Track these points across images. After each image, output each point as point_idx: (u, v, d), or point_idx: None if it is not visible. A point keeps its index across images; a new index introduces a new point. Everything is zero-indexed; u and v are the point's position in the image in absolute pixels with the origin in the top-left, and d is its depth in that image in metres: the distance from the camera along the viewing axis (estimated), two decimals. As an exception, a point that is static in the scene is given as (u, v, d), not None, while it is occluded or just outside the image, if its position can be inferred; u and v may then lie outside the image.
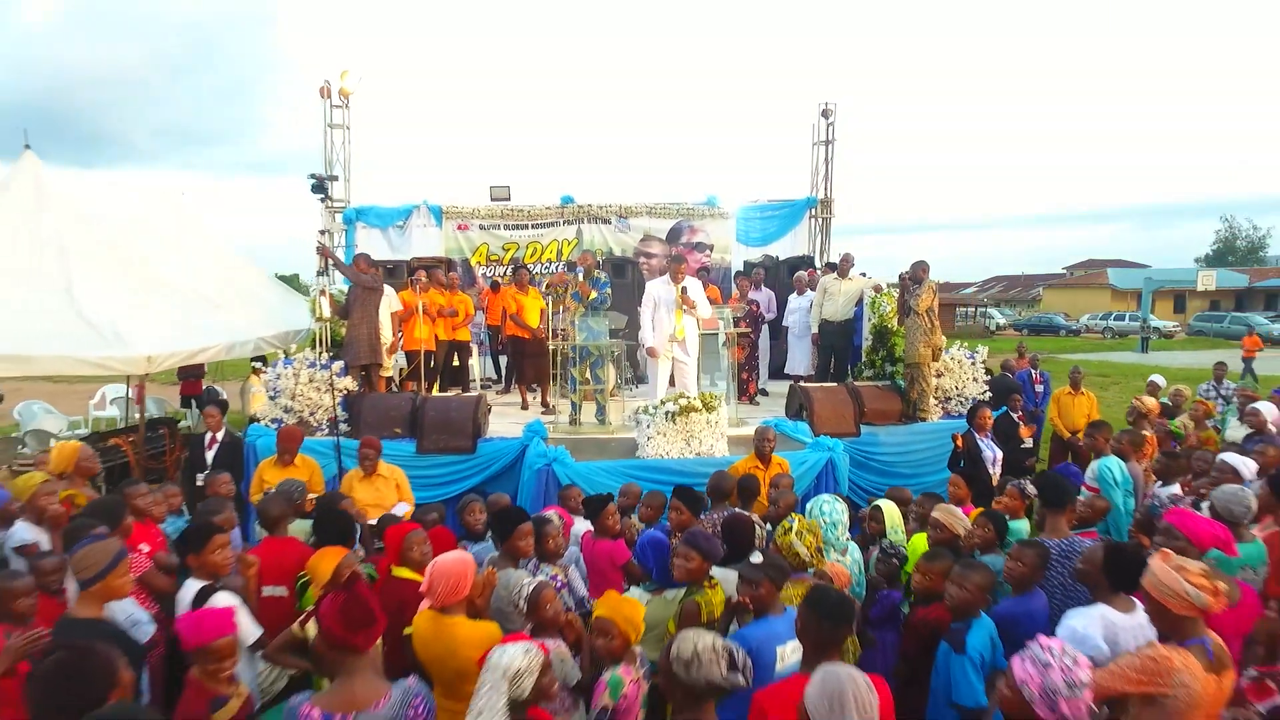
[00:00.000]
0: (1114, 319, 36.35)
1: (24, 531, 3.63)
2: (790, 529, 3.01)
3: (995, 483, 5.16)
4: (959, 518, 3.41)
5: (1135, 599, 2.67)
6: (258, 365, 7.79)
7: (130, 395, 10.86)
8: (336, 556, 2.89)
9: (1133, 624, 2.63)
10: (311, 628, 2.74)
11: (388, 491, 4.62)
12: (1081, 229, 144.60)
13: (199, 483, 5.52)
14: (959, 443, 5.33)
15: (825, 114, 10.74)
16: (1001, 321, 41.64)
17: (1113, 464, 4.71)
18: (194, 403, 10.30)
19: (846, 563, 3.50)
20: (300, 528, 3.89)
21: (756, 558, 2.69)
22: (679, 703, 1.90)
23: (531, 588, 2.61)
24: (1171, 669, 2.11)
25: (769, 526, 3.62)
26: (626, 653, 2.46)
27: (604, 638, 2.45)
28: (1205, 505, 3.72)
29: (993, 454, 5.38)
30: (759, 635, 2.51)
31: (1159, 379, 8.28)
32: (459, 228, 10.89)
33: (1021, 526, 4.08)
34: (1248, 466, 4.32)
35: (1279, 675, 2.36)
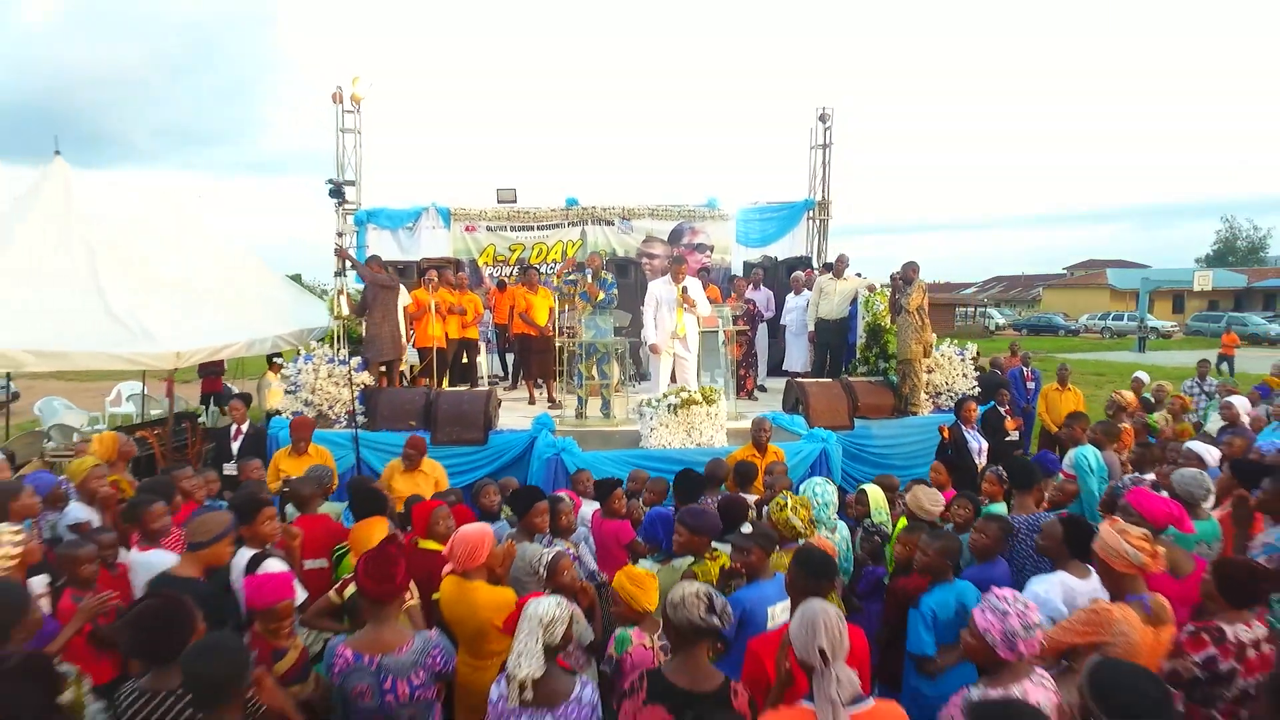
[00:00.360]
0: (1112, 319, 36.60)
1: (78, 511, 3.95)
2: (785, 505, 3.30)
3: (981, 469, 5.45)
4: (922, 501, 3.69)
5: (1090, 566, 2.97)
6: (278, 360, 8.11)
7: (145, 392, 11.29)
8: (382, 525, 3.20)
9: (1088, 588, 2.93)
10: (349, 591, 3.05)
11: (426, 486, 4.83)
12: (1082, 229, 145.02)
13: (225, 471, 5.83)
14: (945, 434, 5.63)
15: (822, 119, 11.01)
16: (1001, 321, 41.92)
17: (1088, 452, 5.01)
18: (211, 400, 10.64)
19: (835, 540, 3.79)
20: (328, 508, 4.21)
21: (747, 529, 2.99)
22: (674, 642, 2.21)
23: (550, 556, 2.92)
24: (1111, 620, 2.41)
25: (765, 508, 3.93)
26: (647, 620, 2.74)
27: (615, 605, 2.76)
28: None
29: (978, 444, 5.68)
30: (752, 597, 2.82)
31: (1143, 375, 8.59)
32: (466, 229, 11.19)
33: (999, 509, 4.39)
34: (1211, 454, 4.63)
35: (1213, 629, 2.65)
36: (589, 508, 4.45)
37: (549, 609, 2.28)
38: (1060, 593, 2.98)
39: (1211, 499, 3.91)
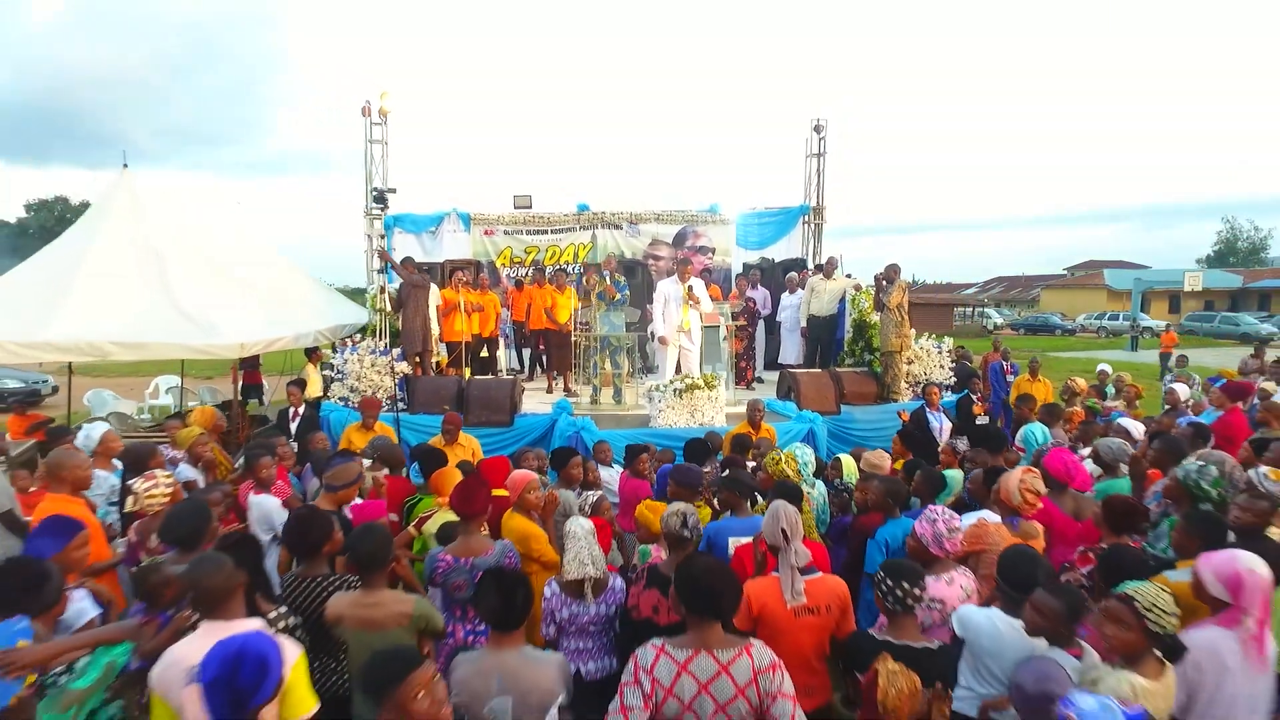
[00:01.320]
0: (1108, 319, 37.32)
1: (187, 471, 4.78)
2: (779, 460, 4.13)
3: (942, 449, 6.25)
4: (870, 459, 4.52)
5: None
6: (325, 352, 8.94)
7: (181, 384, 12.22)
8: (455, 472, 4.01)
9: (996, 520, 3.75)
10: (428, 526, 3.86)
11: (464, 456, 5.63)
12: (1087, 229, 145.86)
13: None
14: (904, 417, 6.46)
15: (817, 129, 11.79)
16: (999, 321, 42.64)
17: (1036, 429, 5.82)
18: (248, 391, 11.50)
19: (814, 494, 4.61)
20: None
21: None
22: (669, 547, 3.03)
23: (595, 497, 3.75)
24: (986, 533, 3.25)
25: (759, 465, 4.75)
26: (661, 540, 3.54)
27: (638, 530, 3.58)
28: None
29: (939, 424, 6.50)
30: (718, 526, 3.58)
31: (1106, 368, 9.37)
32: (485, 233, 12.04)
33: (955, 475, 5.20)
34: (1137, 429, 5.44)
35: (1096, 549, 3.45)
36: (605, 472, 5.29)
37: (588, 523, 3.10)
38: (981, 525, 3.79)
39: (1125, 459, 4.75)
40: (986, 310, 45.38)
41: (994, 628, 2.59)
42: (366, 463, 4.54)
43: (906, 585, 2.45)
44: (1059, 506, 3.96)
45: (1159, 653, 2.26)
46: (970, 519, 3.75)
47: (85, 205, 53.57)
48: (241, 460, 5.38)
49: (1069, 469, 3.97)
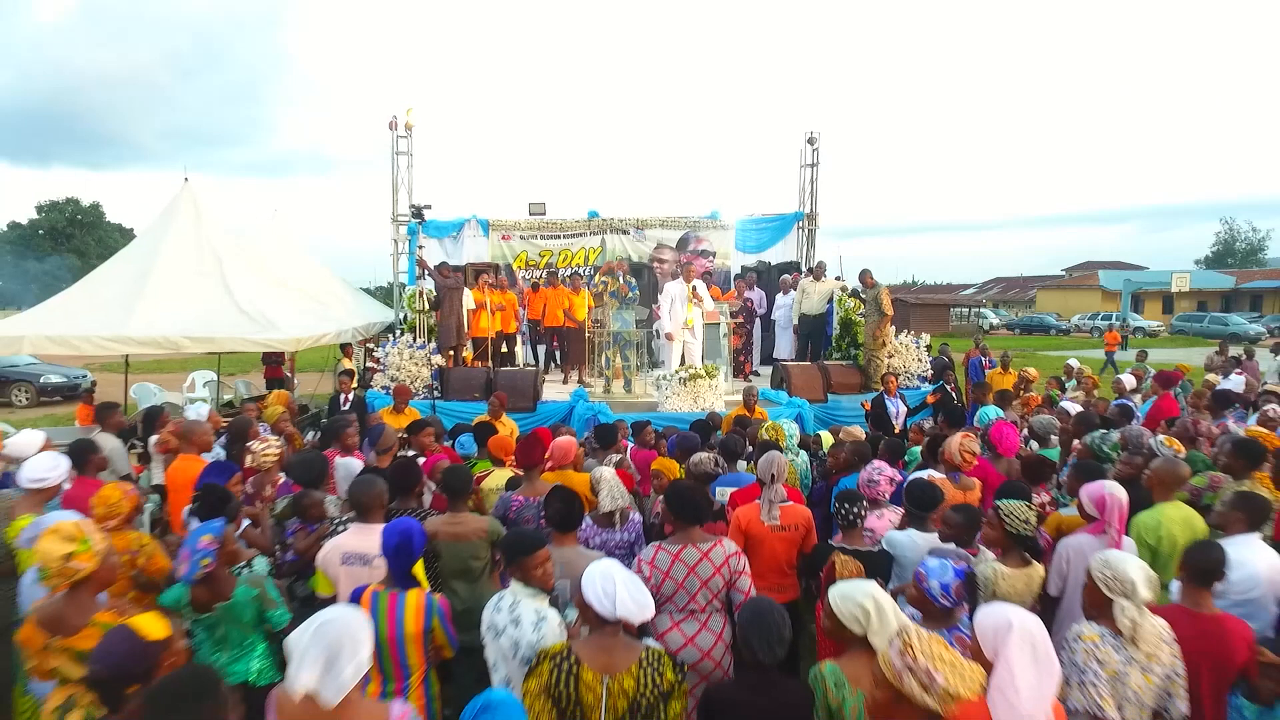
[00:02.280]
0: (1101, 319, 38.15)
1: (273, 442, 5.71)
2: (764, 426, 5.06)
3: (897, 430, 7.18)
4: (851, 430, 5.46)
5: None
6: (369, 348, 9.87)
7: (218, 379, 13.18)
8: (509, 440, 4.94)
9: (942, 476, 4.66)
10: (487, 483, 4.77)
11: (504, 433, 6.53)
12: (1085, 230, 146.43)
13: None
14: (866, 406, 7.41)
15: (810, 141, 12.74)
16: (995, 321, 43.44)
17: (990, 410, 6.72)
18: (272, 384, 12.39)
19: (797, 462, 5.53)
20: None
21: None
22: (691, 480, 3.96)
23: (618, 458, 4.70)
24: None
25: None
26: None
27: (656, 479, 4.50)
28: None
29: (895, 408, 7.45)
30: None
31: (1073, 362, 10.28)
32: (503, 238, 12.97)
33: (916, 449, 6.11)
34: (1075, 409, 6.35)
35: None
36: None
37: (609, 469, 4.02)
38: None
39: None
40: (983, 311, 46.18)
41: (913, 543, 3.51)
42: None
43: (849, 505, 3.39)
44: (995, 467, 4.89)
45: (1027, 553, 3.17)
46: (921, 475, 4.69)
47: (96, 206, 54.49)
48: (310, 435, 6.33)
49: (1002, 436, 4.90)
